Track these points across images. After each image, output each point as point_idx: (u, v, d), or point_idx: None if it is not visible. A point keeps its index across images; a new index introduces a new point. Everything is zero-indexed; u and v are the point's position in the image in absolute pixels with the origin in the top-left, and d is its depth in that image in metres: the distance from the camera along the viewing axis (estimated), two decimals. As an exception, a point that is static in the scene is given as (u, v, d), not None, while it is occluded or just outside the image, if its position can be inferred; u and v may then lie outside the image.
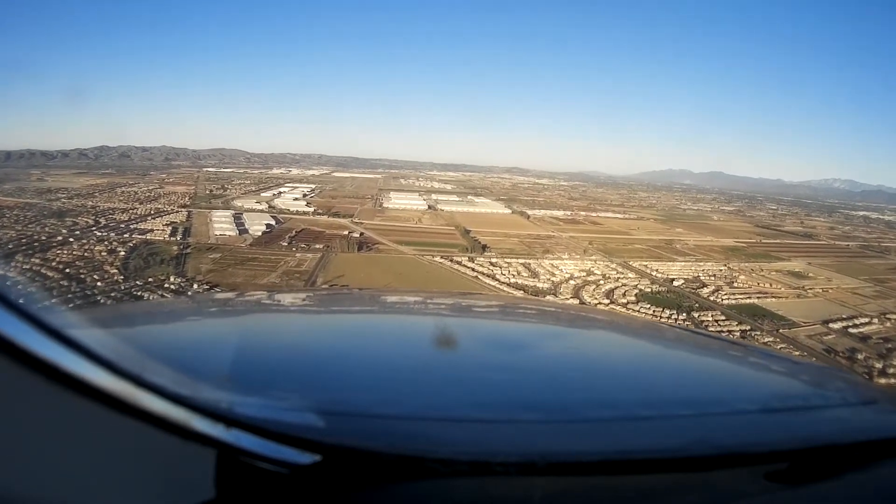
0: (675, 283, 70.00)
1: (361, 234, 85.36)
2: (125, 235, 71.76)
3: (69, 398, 0.99)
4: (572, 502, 1.41)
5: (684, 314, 59.27)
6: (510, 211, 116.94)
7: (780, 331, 55.77)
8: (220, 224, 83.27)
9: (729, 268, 78.32)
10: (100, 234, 72.18)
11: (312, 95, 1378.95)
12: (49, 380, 0.96)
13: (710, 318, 58.62)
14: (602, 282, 68.90)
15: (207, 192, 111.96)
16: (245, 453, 1.24)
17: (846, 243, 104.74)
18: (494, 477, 1.36)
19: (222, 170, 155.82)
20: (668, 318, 55.77)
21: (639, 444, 1.51)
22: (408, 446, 1.39)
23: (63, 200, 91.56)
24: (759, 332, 54.56)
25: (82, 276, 56.83)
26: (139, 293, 52.41)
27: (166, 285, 54.85)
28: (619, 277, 71.11)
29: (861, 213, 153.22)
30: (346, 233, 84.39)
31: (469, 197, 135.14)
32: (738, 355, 3.34)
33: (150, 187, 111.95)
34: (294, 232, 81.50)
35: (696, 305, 62.90)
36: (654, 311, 58.91)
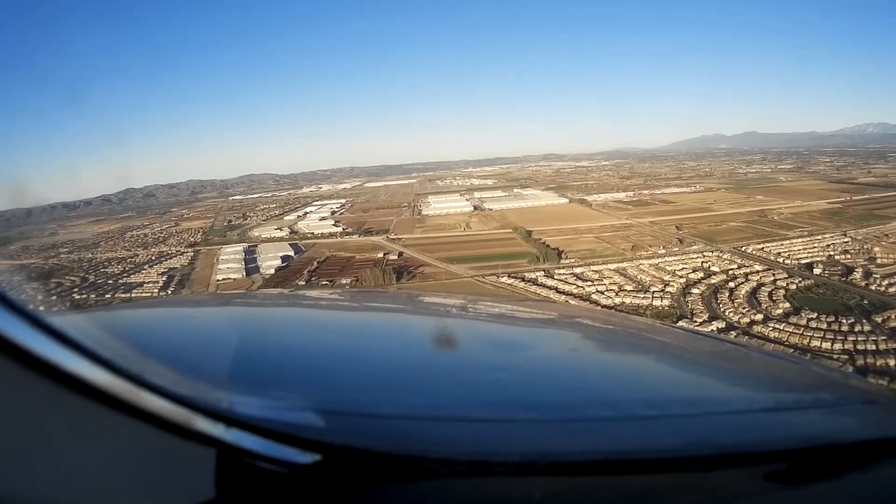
0: (815, 271, 53.78)
1: (400, 253, 68.81)
2: (106, 296, 60.36)
3: (69, 398, 0.98)
4: (572, 502, 1.37)
5: (864, 319, 42.02)
6: (566, 200, 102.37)
7: None
8: (227, 265, 69.29)
9: (853, 238, 64.35)
10: (77, 296, 59.67)
11: (338, 108, 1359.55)
12: (49, 380, 0.96)
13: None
14: (730, 283, 51.42)
15: (225, 223, 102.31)
16: (245, 453, 1.21)
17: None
18: (494, 477, 1.33)
19: (249, 196, 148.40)
20: (852, 328, 40.78)
21: (639, 444, 1.50)
22: (408, 446, 1.35)
23: (62, 256, 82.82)
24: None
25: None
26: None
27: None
28: (745, 273, 54.07)
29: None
30: (381, 255, 68.46)
31: (515, 190, 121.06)
32: (738, 355, 3.24)
33: (165, 226, 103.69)
34: (316, 263, 65.84)
35: (865, 302, 45.66)
36: (828, 322, 41.77)
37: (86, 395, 0.99)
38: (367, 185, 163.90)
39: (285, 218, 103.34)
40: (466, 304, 4.15)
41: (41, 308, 1.06)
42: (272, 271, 63.47)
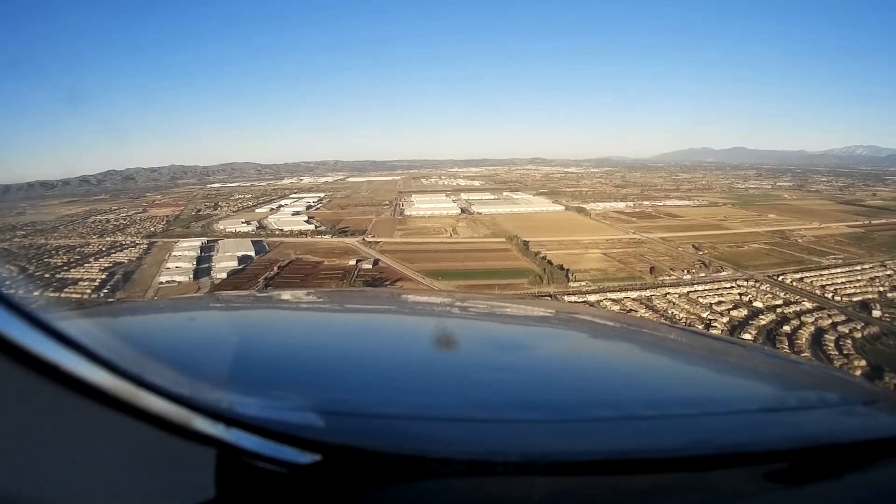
0: (874, 313, 44.07)
1: (376, 262, 57.74)
2: (34, 294, 42.08)
3: (69, 398, 0.97)
4: (572, 502, 1.35)
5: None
6: (562, 207, 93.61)
7: None
8: (178, 262, 59.14)
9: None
10: (3, 291, 46.98)
11: (325, 101, 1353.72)
12: (49, 380, 0.95)
13: None
14: (784, 326, 41.42)
15: (194, 212, 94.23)
16: (245, 453, 1.19)
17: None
18: (494, 477, 1.31)
19: (228, 184, 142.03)
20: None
21: (639, 444, 1.47)
22: (408, 446, 1.33)
23: (16, 239, 77.82)
24: None
25: None
26: None
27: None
28: (795, 311, 44.09)
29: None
30: (353, 262, 57.25)
31: (505, 193, 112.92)
32: (738, 355, 3.15)
33: (132, 212, 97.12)
34: (276, 268, 54.95)
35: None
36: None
37: (86, 395, 0.98)
38: (350, 179, 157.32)
39: (257, 210, 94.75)
40: (466, 303, 4.13)
41: (41, 308, 1.00)
42: (224, 275, 53.13)
